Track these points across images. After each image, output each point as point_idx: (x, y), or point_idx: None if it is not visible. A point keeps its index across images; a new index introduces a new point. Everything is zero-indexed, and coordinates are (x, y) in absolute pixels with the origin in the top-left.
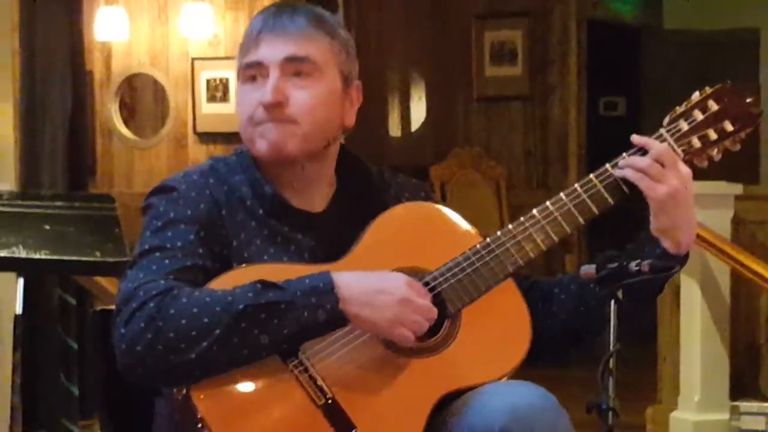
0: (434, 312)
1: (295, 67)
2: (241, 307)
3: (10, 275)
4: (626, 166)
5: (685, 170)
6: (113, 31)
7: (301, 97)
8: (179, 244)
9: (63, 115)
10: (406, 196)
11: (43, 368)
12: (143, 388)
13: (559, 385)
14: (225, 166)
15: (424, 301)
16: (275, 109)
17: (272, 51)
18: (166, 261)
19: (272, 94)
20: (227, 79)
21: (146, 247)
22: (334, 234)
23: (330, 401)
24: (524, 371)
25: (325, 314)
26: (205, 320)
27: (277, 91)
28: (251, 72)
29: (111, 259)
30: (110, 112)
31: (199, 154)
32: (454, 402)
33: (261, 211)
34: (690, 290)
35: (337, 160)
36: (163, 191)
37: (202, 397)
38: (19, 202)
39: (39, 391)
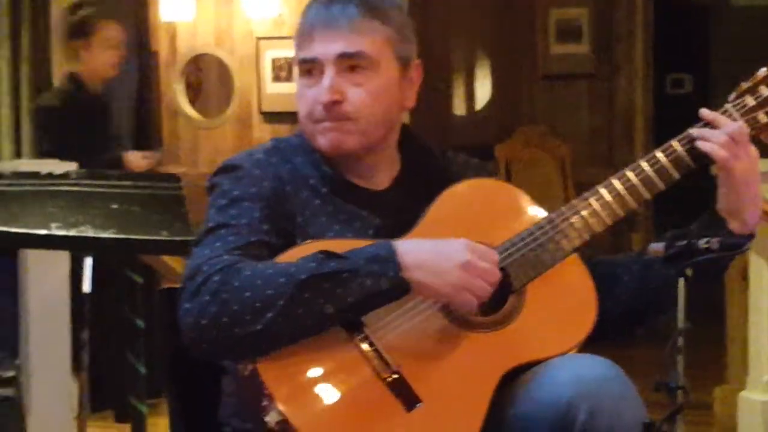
0: (497, 275)
1: (350, 62)
2: (304, 276)
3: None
4: (701, 138)
5: (753, 148)
6: (178, 11)
7: (357, 94)
8: (244, 221)
9: (129, 95)
10: (469, 174)
11: (110, 347)
12: (210, 366)
13: (625, 363)
14: (287, 146)
15: (487, 264)
16: (332, 108)
17: (325, 47)
18: (231, 237)
19: (328, 93)
20: (290, 59)
21: (211, 224)
22: (398, 212)
23: (396, 375)
24: (588, 350)
25: (388, 281)
26: (269, 291)
27: (333, 90)
28: (307, 66)
29: (177, 238)
30: (176, 92)
31: (264, 134)
32: (519, 376)
33: (324, 190)
34: (758, 269)
35: (400, 139)
36: (228, 170)
37: (268, 372)
38: (87, 182)
39: (106, 370)
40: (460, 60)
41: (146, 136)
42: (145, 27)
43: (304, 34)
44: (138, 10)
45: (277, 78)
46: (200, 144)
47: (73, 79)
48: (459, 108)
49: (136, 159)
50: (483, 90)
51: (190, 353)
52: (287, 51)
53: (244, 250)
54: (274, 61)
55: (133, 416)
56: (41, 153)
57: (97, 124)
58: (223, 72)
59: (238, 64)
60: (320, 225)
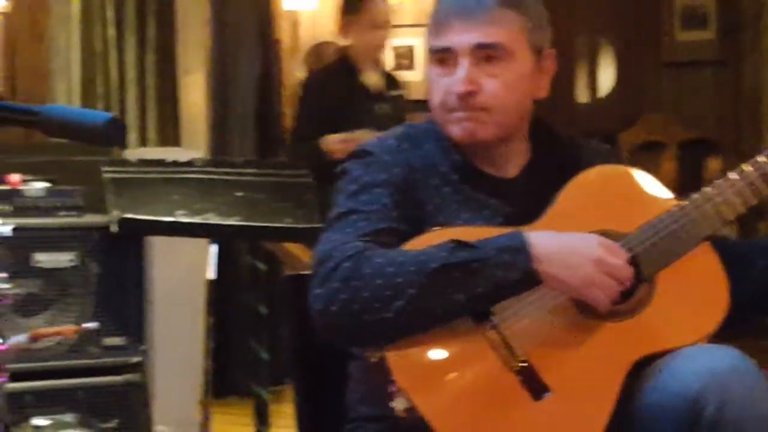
0: (629, 273)
1: (485, 53)
2: (434, 265)
3: (200, 241)
4: None
5: None
6: (301, 0)
7: (492, 85)
8: (374, 207)
9: (252, 83)
10: (598, 161)
11: (233, 333)
12: (336, 352)
13: (757, 354)
14: (418, 132)
15: (619, 261)
16: (467, 98)
17: (461, 37)
18: (361, 223)
19: (463, 84)
20: (412, 47)
21: (342, 210)
22: (528, 200)
23: (524, 364)
24: (719, 340)
25: (518, 273)
26: (399, 280)
27: (468, 80)
28: (441, 56)
29: (301, 226)
30: (298, 80)
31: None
32: (647, 365)
33: (454, 177)
34: None
35: (531, 127)
36: (359, 156)
37: (396, 359)
38: (212, 169)
39: (230, 357)
40: (582, 47)
41: (268, 124)
42: (268, 16)
43: (438, 23)
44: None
45: (398, 66)
46: None
47: (343, 57)
48: (582, 95)
49: (333, 142)
50: (606, 77)
51: (317, 339)
52: (408, 39)
53: (373, 236)
54: (395, 48)
55: (256, 403)
56: (294, 131)
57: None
58: None
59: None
60: (449, 212)
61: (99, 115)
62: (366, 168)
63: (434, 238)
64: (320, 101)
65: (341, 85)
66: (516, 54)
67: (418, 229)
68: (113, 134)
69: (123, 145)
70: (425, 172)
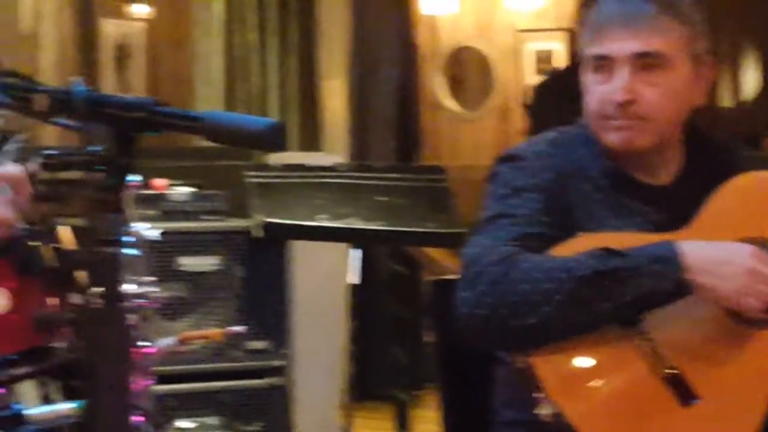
0: None
1: (644, 61)
2: (583, 273)
3: (340, 245)
4: None
5: None
6: (440, 4)
7: (651, 94)
8: (524, 211)
9: (391, 88)
10: (751, 168)
11: (374, 338)
12: (481, 356)
13: None
14: (569, 138)
15: None
16: (626, 107)
17: (620, 45)
18: (510, 228)
19: (622, 93)
20: (551, 51)
21: (491, 213)
22: (681, 207)
23: (673, 371)
24: None
25: (669, 283)
26: (547, 286)
27: (627, 90)
28: (598, 63)
29: (443, 230)
30: (436, 85)
31: (525, 127)
32: None
33: (605, 183)
34: None
35: (685, 133)
36: (510, 159)
37: (542, 365)
38: (354, 174)
39: (370, 361)
40: (726, 49)
41: (407, 128)
42: (407, 20)
43: (596, 30)
44: (401, 3)
45: (540, 70)
46: (460, 137)
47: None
48: (725, 99)
49: None
50: (750, 80)
51: (462, 343)
52: (550, 43)
53: (522, 241)
54: (537, 53)
55: (397, 407)
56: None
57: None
58: (484, 65)
59: (498, 56)
60: (599, 218)
61: (261, 120)
62: (516, 172)
63: (582, 243)
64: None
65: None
66: (675, 63)
67: (566, 234)
68: (275, 139)
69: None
70: (575, 177)
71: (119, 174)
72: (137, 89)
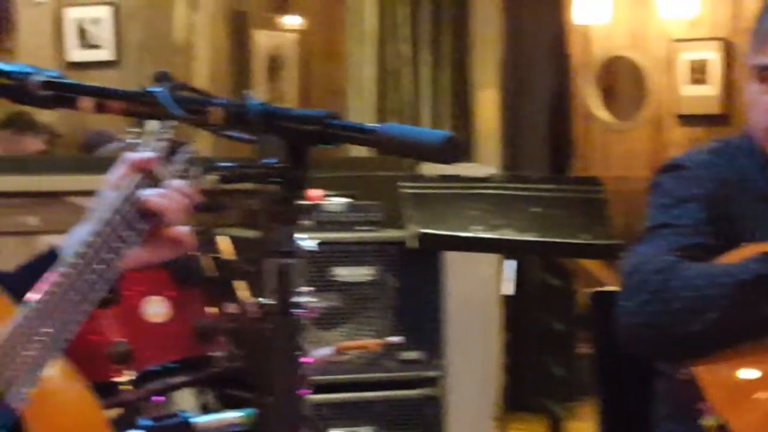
0: None
1: None
2: (746, 277)
3: (492, 256)
4: None
5: None
6: (593, 14)
7: None
8: (687, 222)
9: (544, 99)
10: None
11: (528, 349)
12: (641, 368)
13: None
14: (732, 147)
15: None
16: None
17: None
18: (672, 238)
19: None
20: (706, 61)
21: (653, 223)
22: None
23: None
24: None
25: None
26: (710, 292)
27: None
28: (764, 73)
29: (598, 242)
30: (588, 95)
31: (679, 137)
32: None
33: None
34: None
35: None
36: (672, 169)
37: (706, 375)
38: (508, 185)
39: (524, 372)
40: None
41: (559, 139)
42: (561, 30)
43: (763, 39)
44: (554, 14)
45: (695, 80)
46: (612, 147)
47: None
48: None
49: None
50: None
51: (621, 355)
52: (704, 53)
53: (684, 251)
54: (691, 63)
55: (550, 419)
56: None
57: None
58: (637, 74)
59: (652, 66)
60: (763, 230)
61: (436, 132)
62: (678, 182)
63: (746, 254)
64: None
65: None
66: None
67: (729, 244)
68: (450, 151)
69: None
70: (738, 188)
71: (293, 186)
72: (289, 100)
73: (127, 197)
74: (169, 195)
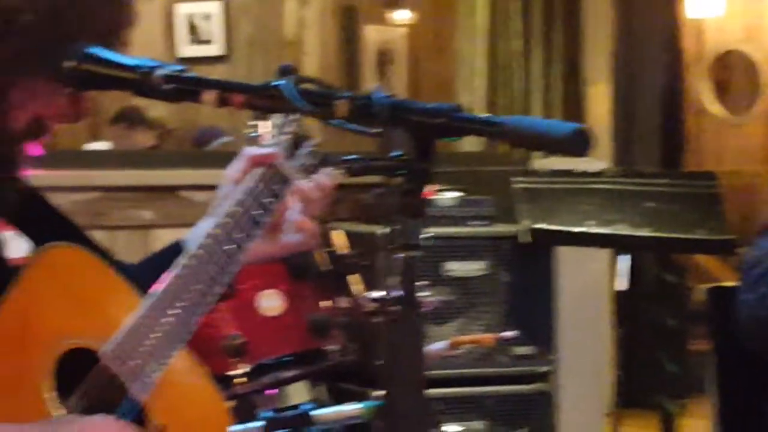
0: None
1: None
2: None
3: (604, 251)
4: None
5: None
6: (706, 8)
7: None
8: None
9: (656, 93)
10: None
11: (641, 345)
12: (759, 364)
13: None
14: None
15: None
16: None
17: None
18: None
19: None
20: None
21: None
22: None
23: None
24: None
25: None
26: None
27: None
28: None
29: (713, 237)
30: (701, 90)
31: None
32: None
33: None
34: None
35: None
36: None
37: None
38: (622, 180)
39: (637, 368)
40: None
41: (671, 134)
42: (673, 25)
43: None
44: (666, 8)
45: None
46: (725, 142)
47: None
48: None
49: None
50: None
51: (739, 352)
52: None
53: None
54: None
55: (663, 416)
56: None
57: None
58: (751, 69)
59: (766, 59)
60: None
61: (565, 125)
62: None
63: None
64: None
65: None
66: None
67: None
68: (580, 143)
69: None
70: None
71: (419, 179)
72: (398, 95)
73: (250, 191)
74: (294, 189)
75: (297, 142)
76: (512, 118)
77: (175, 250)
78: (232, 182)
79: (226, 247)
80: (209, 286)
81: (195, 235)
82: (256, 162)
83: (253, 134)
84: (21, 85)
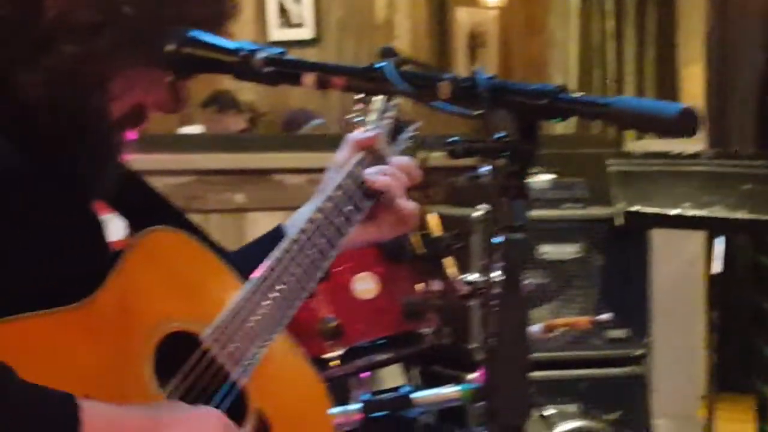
0: None
1: None
2: None
3: (700, 234)
4: None
5: None
6: None
7: None
8: None
9: (753, 73)
10: None
11: (736, 329)
12: None
13: None
14: None
15: None
16: None
17: None
18: None
19: None
20: None
21: None
22: None
23: None
24: None
25: None
26: None
27: None
28: None
29: None
30: None
31: None
32: None
33: None
34: None
35: None
36: None
37: None
38: (717, 162)
39: (732, 352)
40: None
41: None
42: None
43: None
44: None
45: None
46: None
47: None
48: None
49: None
50: None
51: None
52: None
53: None
54: None
55: (759, 400)
56: None
57: None
58: None
59: None
60: None
61: (671, 105)
62: None
63: None
64: None
65: None
66: None
67: None
68: (687, 125)
69: (694, 135)
70: None
71: (523, 161)
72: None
73: (350, 175)
74: (393, 173)
75: (398, 126)
76: (618, 99)
77: (276, 234)
78: (337, 167)
79: (326, 232)
80: (309, 271)
81: (296, 220)
82: (359, 146)
83: (356, 119)
84: (122, 74)
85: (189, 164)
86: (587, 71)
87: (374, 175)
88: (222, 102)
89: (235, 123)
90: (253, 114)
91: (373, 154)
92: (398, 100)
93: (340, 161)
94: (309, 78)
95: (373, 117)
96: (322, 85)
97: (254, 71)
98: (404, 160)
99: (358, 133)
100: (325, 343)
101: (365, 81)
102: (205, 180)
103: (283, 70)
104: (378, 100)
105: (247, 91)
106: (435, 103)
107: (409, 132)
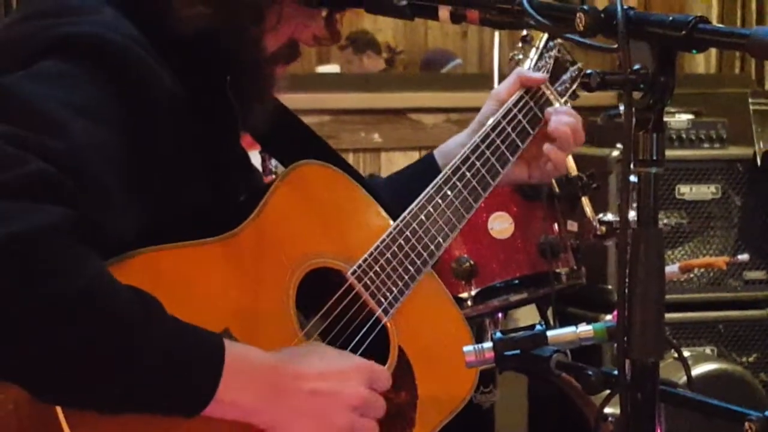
0: None
1: None
2: None
3: None
4: None
5: None
6: None
7: None
8: None
9: None
10: None
11: None
12: None
13: None
14: None
15: None
16: None
17: None
18: None
19: None
20: None
21: None
22: None
23: None
24: None
25: None
26: None
27: None
28: None
29: None
30: None
31: None
32: None
33: None
34: None
35: None
36: None
37: None
38: None
39: None
40: None
41: None
42: None
43: None
44: None
45: None
46: None
47: None
48: None
49: None
50: None
51: None
52: None
53: None
54: None
55: None
56: None
57: None
58: None
59: None
60: None
61: None
62: None
63: None
64: None
65: None
66: None
67: None
68: None
69: None
70: None
71: (660, 93)
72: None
73: (507, 113)
74: (575, 126)
75: (560, 66)
76: (760, 29)
77: (427, 164)
78: (497, 101)
79: (478, 170)
80: (460, 207)
81: (449, 149)
82: (523, 84)
83: (518, 56)
84: (275, 8)
85: (326, 103)
86: (729, 5)
87: (558, 119)
88: (360, 42)
89: (373, 63)
90: (390, 54)
91: (536, 94)
92: (559, 40)
93: (503, 94)
94: (443, 12)
95: (534, 55)
96: (457, 18)
97: (389, 6)
98: (570, 110)
99: (525, 70)
100: (458, 282)
101: (500, 15)
102: (342, 119)
103: (418, 3)
104: (541, 38)
105: (384, 32)
106: (572, 35)
107: (571, 72)
